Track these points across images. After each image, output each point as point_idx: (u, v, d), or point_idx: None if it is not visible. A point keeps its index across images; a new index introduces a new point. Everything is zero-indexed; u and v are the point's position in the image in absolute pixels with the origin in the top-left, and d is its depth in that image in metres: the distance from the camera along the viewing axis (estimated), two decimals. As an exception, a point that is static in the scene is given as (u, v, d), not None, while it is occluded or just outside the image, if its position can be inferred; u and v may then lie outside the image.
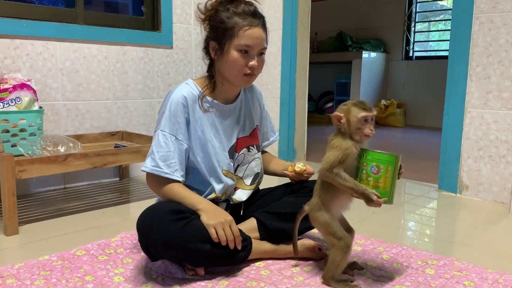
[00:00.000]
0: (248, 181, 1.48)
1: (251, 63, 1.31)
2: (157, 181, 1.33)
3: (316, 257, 1.41)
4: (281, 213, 1.39)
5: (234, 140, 1.44)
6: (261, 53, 1.35)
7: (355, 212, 1.96)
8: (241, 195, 1.46)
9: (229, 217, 1.27)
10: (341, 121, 1.25)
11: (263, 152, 1.64)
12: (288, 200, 1.43)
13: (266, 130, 1.61)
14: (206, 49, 1.38)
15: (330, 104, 6.29)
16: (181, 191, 1.32)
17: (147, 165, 1.32)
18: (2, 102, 1.88)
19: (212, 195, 1.39)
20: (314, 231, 1.62)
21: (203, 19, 1.36)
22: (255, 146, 1.50)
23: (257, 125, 1.52)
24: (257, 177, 1.51)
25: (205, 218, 1.24)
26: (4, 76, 1.98)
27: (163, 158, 1.31)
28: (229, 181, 1.42)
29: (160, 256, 1.27)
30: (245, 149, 1.46)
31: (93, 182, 2.42)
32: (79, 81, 2.30)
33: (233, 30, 1.30)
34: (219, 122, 1.41)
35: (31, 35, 2.12)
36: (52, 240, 1.61)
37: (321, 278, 1.27)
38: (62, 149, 1.84)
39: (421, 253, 1.50)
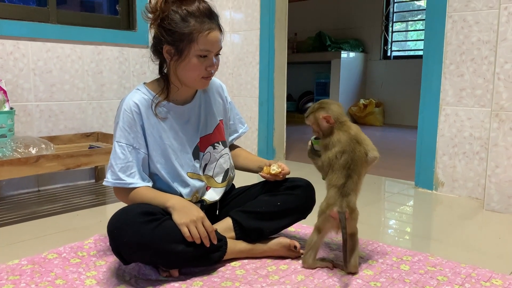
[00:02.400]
0: (219, 178, 1.47)
1: (210, 67, 1.30)
2: (123, 192, 1.31)
3: (292, 255, 1.41)
4: (257, 212, 1.38)
5: (197, 140, 1.41)
6: (218, 54, 1.32)
7: (333, 210, 1.98)
8: (213, 194, 1.45)
9: (201, 213, 1.25)
10: (331, 121, 1.30)
11: (234, 146, 1.61)
12: (264, 199, 1.41)
13: (233, 122, 1.57)
14: (156, 51, 1.33)
15: (310, 104, 6.31)
16: (148, 193, 1.29)
17: (108, 179, 1.29)
18: (-29, 103, 1.83)
19: (187, 198, 1.37)
20: (291, 229, 1.62)
21: (152, 20, 1.29)
22: (220, 142, 1.46)
23: (220, 120, 1.49)
24: (227, 173, 1.48)
25: (176, 217, 1.22)
26: (-27, 77, 1.93)
27: (123, 169, 1.28)
28: (196, 183, 1.39)
29: (133, 259, 1.24)
30: (210, 147, 1.43)
31: (68, 184, 2.37)
32: (53, 81, 2.26)
33: (192, 36, 1.24)
34: (178, 124, 1.37)
35: (1, 34, 2.07)
36: (23, 244, 1.57)
37: (353, 267, 1.30)
38: (33, 151, 1.80)
39: (396, 250, 1.50)
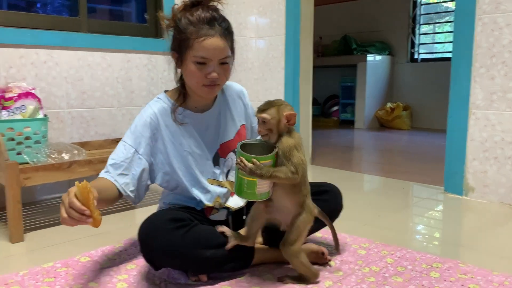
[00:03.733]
0: None
1: (209, 75, 1.27)
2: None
3: (319, 261, 1.40)
4: (283, 218, 1.39)
5: (217, 147, 1.42)
6: (223, 62, 1.29)
7: (360, 215, 1.97)
8: (237, 200, 1.44)
9: (70, 193, 1.04)
10: (293, 121, 1.20)
11: None
12: (291, 204, 1.42)
13: (255, 125, 1.56)
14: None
15: (335, 108, 6.29)
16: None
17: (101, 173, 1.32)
18: (7, 111, 1.90)
19: (205, 205, 1.39)
20: (318, 234, 1.62)
21: (167, 26, 1.31)
22: None
23: (242, 125, 1.49)
24: None
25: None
26: (9, 85, 2.00)
27: (115, 166, 1.31)
28: (217, 189, 1.40)
29: (163, 265, 1.26)
30: (231, 153, 1.44)
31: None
32: (84, 88, 2.32)
33: (189, 41, 1.24)
34: (197, 131, 1.39)
35: (36, 44, 2.15)
36: (57, 247, 1.62)
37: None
38: (66, 156, 1.85)
39: (426, 256, 1.48)
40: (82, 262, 1.44)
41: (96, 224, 1.05)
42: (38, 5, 2.46)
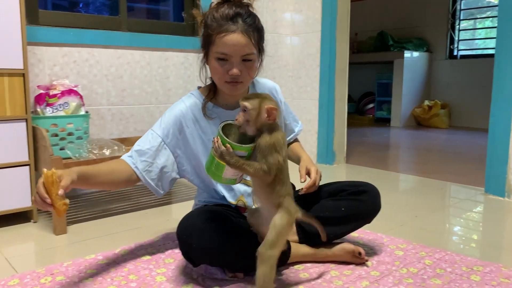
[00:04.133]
0: None
1: (230, 71, 1.25)
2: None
3: (356, 261, 1.39)
4: (320, 217, 1.37)
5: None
6: (246, 59, 1.26)
7: (397, 216, 1.94)
8: None
9: (40, 178, 1.06)
10: (274, 117, 1.12)
11: (294, 141, 1.61)
12: (328, 204, 1.41)
13: (289, 122, 1.57)
14: None
15: (371, 105, 6.20)
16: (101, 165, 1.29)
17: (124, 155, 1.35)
18: (52, 107, 1.97)
19: (231, 202, 1.40)
20: (354, 234, 1.61)
21: (199, 23, 1.32)
22: None
23: None
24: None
25: None
26: (53, 82, 2.08)
27: (140, 152, 1.33)
28: (241, 187, 1.40)
29: (201, 262, 1.28)
30: None
31: (136, 184, 2.48)
32: (123, 86, 2.38)
33: (211, 37, 1.24)
34: None
35: (78, 42, 2.22)
36: (98, 240, 1.68)
37: None
38: (107, 152, 1.91)
39: (466, 259, 1.45)
40: (122, 255, 1.48)
41: (58, 213, 1.06)
42: (81, 5, 2.54)
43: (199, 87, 1.45)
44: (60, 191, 1.05)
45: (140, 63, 2.43)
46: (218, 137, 1.10)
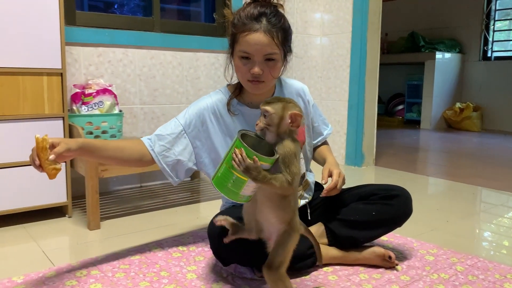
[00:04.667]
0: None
1: (252, 70, 1.26)
2: None
3: (386, 265, 1.39)
4: (350, 221, 1.38)
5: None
6: (269, 59, 1.26)
7: (428, 220, 1.92)
8: None
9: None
10: (297, 123, 1.08)
11: (322, 144, 1.59)
12: (358, 207, 1.40)
13: (317, 124, 1.55)
14: None
15: (400, 107, 6.11)
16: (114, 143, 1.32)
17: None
18: (87, 106, 2.03)
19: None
20: (384, 237, 1.60)
21: (230, 23, 1.33)
22: None
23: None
24: (303, 178, 1.47)
25: None
26: (89, 82, 2.14)
27: (160, 137, 1.36)
28: None
29: (231, 262, 1.30)
30: None
31: (166, 181, 2.53)
32: (155, 86, 2.43)
33: (236, 36, 1.27)
34: (250, 126, 1.37)
35: (113, 43, 2.27)
36: (130, 236, 1.72)
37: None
38: (139, 151, 1.95)
39: (499, 266, 1.42)
40: (153, 251, 1.52)
41: (49, 176, 1.12)
42: (116, 6, 2.60)
43: (228, 85, 1.46)
44: (51, 156, 1.11)
45: (172, 63, 2.48)
46: (242, 148, 0.99)
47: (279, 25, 1.26)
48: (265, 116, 1.06)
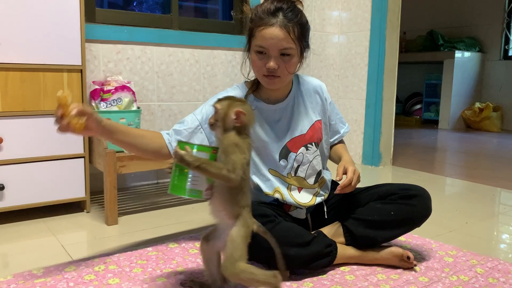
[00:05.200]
0: (311, 180, 1.44)
1: (267, 64, 1.27)
2: None
3: (404, 266, 1.37)
4: (368, 220, 1.37)
5: (286, 140, 1.41)
6: (285, 54, 1.27)
7: (446, 221, 1.89)
8: (306, 196, 1.42)
9: None
10: (241, 121, 1.10)
11: (338, 143, 1.59)
12: (376, 207, 1.39)
13: (334, 122, 1.54)
14: None
15: (418, 106, 6.05)
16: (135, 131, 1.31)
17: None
18: (105, 102, 2.05)
19: (267, 192, 1.40)
20: (401, 238, 1.58)
21: (248, 18, 1.35)
22: (314, 143, 1.44)
23: (318, 120, 1.46)
24: (320, 175, 1.46)
25: None
26: (108, 79, 2.16)
27: (177, 132, 1.35)
28: (277, 180, 1.40)
29: (248, 258, 1.30)
30: (303, 148, 1.42)
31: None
32: (173, 83, 2.44)
33: (252, 31, 1.29)
34: (267, 122, 1.39)
35: (131, 40, 2.29)
36: (147, 232, 1.73)
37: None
38: (157, 147, 1.96)
39: (520, 269, 1.39)
40: (170, 248, 1.53)
41: (73, 129, 1.09)
42: (134, 3, 2.62)
43: (245, 81, 1.47)
44: (74, 111, 1.07)
45: (190, 61, 2.48)
46: (177, 145, 1.05)
47: (295, 20, 1.26)
48: (215, 112, 1.12)
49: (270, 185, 1.41)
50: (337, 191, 1.35)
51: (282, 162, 1.41)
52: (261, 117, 1.39)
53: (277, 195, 1.40)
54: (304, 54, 1.35)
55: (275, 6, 1.26)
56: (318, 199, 1.45)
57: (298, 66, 1.35)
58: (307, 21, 1.33)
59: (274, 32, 1.24)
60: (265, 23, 1.25)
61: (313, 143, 1.44)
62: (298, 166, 1.43)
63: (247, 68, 1.38)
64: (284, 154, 1.41)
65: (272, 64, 1.26)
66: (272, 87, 1.35)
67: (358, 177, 1.36)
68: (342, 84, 3.16)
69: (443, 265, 1.42)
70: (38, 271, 1.33)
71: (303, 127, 1.43)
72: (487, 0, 5.50)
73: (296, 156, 1.41)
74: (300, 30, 1.28)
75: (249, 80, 1.45)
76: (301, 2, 1.34)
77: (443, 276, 1.34)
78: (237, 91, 1.41)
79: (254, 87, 1.40)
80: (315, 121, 1.46)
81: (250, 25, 1.30)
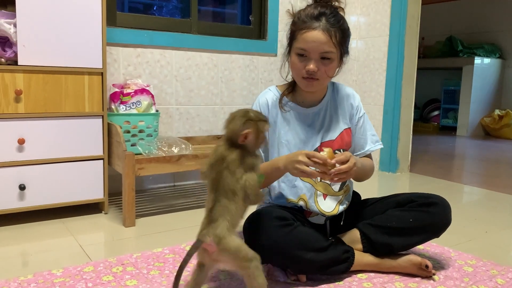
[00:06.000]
0: (336, 187, 1.43)
1: (307, 66, 1.30)
2: None
3: (422, 274, 1.35)
4: (386, 227, 1.35)
5: (317, 144, 1.41)
6: (325, 57, 1.30)
7: (465, 230, 1.86)
8: (330, 203, 1.41)
9: (301, 151, 1.24)
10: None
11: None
12: (395, 214, 1.37)
13: (364, 138, 1.48)
14: None
15: (436, 113, 5.98)
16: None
17: None
18: (125, 105, 2.07)
19: (291, 200, 1.40)
20: (419, 246, 1.56)
21: (291, 23, 1.38)
22: (342, 150, 1.42)
23: (347, 128, 1.45)
24: (345, 183, 1.45)
25: (289, 168, 1.25)
26: (127, 82, 2.19)
27: None
28: (305, 185, 1.39)
29: (265, 261, 1.30)
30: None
31: (199, 182, 2.56)
32: (191, 87, 2.46)
33: (294, 34, 1.33)
34: (300, 125, 1.41)
35: (151, 44, 2.32)
36: (164, 234, 1.74)
37: None
38: (175, 150, 1.98)
39: (542, 281, 1.36)
40: (187, 251, 1.53)
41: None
42: (155, 8, 2.65)
43: (277, 86, 1.49)
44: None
45: (208, 65, 2.50)
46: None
47: (337, 25, 1.30)
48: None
49: (296, 192, 1.41)
50: (331, 175, 1.25)
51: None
52: (294, 120, 1.41)
53: (301, 203, 1.40)
54: (344, 59, 1.37)
55: (318, 11, 1.30)
56: (341, 208, 1.43)
57: (337, 70, 1.38)
58: (348, 28, 1.36)
59: (316, 35, 1.28)
60: (307, 26, 1.29)
61: (341, 150, 1.43)
62: None
63: (285, 70, 1.40)
64: None
65: (312, 66, 1.30)
66: (310, 89, 1.37)
67: (353, 170, 1.26)
68: (360, 89, 3.14)
69: (463, 274, 1.40)
70: (57, 271, 1.35)
71: (333, 133, 1.44)
72: (507, 6, 5.42)
73: None
74: (341, 35, 1.31)
75: (281, 85, 1.49)
76: (343, 9, 1.37)
77: (463, 286, 1.32)
78: (271, 94, 1.44)
79: (289, 89, 1.43)
80: (345, 128, 1.46)
81: (292, 28, 1.35)
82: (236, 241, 1.06)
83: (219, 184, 1.08)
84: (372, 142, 1.49)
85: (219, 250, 1.04)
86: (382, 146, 1.53)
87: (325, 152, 1.25)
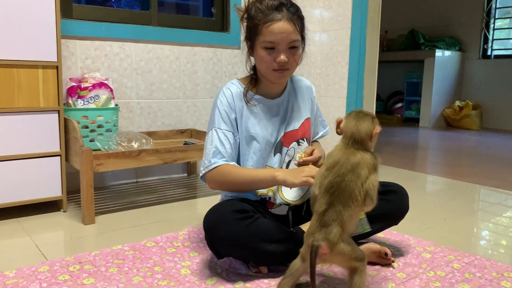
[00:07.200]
0: None
1: (278, 58, 1.30)
2: (218, 175, 1.34)
3: (382, 262, 1.37)
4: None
5: (281, 134, 1.43)
6: (293, 46, 1.31)
7: (425, 218, 1.90)
8: (292, 192, 1.42)
9: (303, 170, 1.28)
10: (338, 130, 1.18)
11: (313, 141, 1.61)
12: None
13: (316, 124, 1.59)
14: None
15: (399, 105, 6.10)
16: (247, 170, 1.36)
17: (202, 168, 1.37)
18: (83, 100, 2.01)
19: (261, 192, 1.39)
20: (380, 235, 1.59)
21: (240, 18, 1.38)
22: (305, 139, 1.47)
23: (308, 118, 1.49)
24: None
25: (292, 180, 1.25)
26: (85, 75, 2.12)
27: (231, 156, 1.36)
28: None
29: (226, 254, 1.29)
30: (294, 143, 1.44)
31: (162, 177, 2.52)
32: (152, 80, 2.41)
33: (258, 28, 1.31)
34: (266, 118, 1.41)
35: (109, 36, 2.25)
36: (125, 231, 1.70)
37: None
38: (135, 145, 1.94)
39: (496, 264, 1.41)
40: (148, 247, 1.50)
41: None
42: (113, 0, 2.58)
43: (238, 79, 1.47)
44: None
45: (169, 57, 2.45)
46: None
47: (297, 14, 1.33)
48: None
49: None
50: (296, 163, 1.38)
51: (277, 158, 1.42)
52: (260, 112, 1.41)
53: (270, 194, 1.40)
54: (304, 46, 1.38)
55: (278, 2, 1.30)
56: (305, 196, 1.44)
57: (301, 58, 1.39)
58: (303, 15, 1.37)
59: (283, 26, 1.28)
60: (271, 18, 1.28)
61: (304, 139, 1.47)
62: (290, 161, 1.44)
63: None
64: (279, 149, 1.43)
65: (283, 57, 1.30)
66: (282, 80, 1.39)
67: (321, 157, 1.39)
68: (323, 82, 3.16)
69: (421, 261, 1.42)
70: (10, 272, 1.30)
71: (296, 122, 1.46)
72: (467, 0, 5.58)
73: (287, 151, 1.43)
74: (301, 24, 1.34)
75: (242, 78, 1.47)
76: None
77: (421, 272, 1.34)
78: (234, 88, 1.42)
79: (253, 82, 1.42)
80: (306, 118, 1.49)
81: (254, 22, 1.32)
82: (347, 246, 1.05)
83: (339, 188, 1.05)
84: (323, 127, 1.62)
85: (332, 253, 1.05)
86: (330, 131, 1.63)
87: (301, 154, 1.37)
